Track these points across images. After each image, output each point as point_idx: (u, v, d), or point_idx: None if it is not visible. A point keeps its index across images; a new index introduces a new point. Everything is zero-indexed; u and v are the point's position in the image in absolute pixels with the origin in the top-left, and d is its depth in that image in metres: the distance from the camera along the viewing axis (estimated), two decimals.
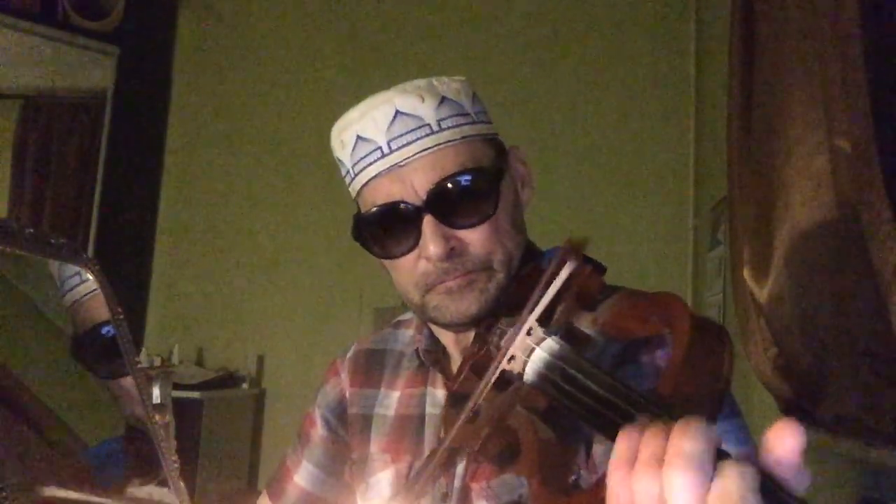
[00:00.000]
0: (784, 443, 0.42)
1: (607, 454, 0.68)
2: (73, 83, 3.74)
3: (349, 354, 1.00)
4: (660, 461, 0.44)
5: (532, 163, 0.90)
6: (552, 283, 0.59)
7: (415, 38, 3.15)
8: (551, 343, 0.58)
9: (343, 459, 0.97)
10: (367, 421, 0.94)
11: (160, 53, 3.51)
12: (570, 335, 0.61)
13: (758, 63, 1.52)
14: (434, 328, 0.90)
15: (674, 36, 2.89)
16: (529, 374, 0.58)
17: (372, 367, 0.97)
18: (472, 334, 0.80)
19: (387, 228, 0.80)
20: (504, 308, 0.75)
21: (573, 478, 0.58)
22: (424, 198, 0.77)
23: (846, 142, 1.06)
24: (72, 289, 0.76)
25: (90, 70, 3.50)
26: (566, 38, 3.03)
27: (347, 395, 0.97)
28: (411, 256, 0.79)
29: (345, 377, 0.98)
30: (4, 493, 0.62)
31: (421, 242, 0.77)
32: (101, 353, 0.78)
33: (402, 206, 0.77)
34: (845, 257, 1.11)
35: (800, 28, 1.27)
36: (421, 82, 0.81)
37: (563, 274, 0.59)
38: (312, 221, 3.20)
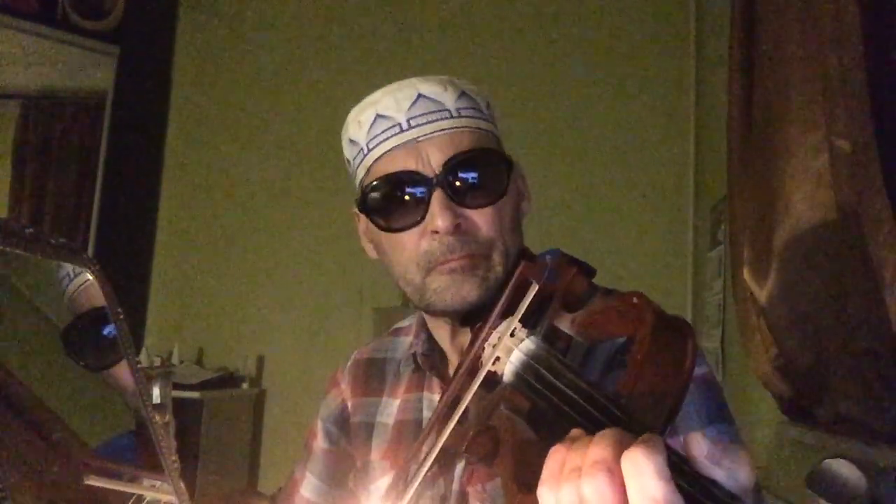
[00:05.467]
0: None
1: None
2: (73, 83, 3.75)
3: (349, 364, 1.01)
4: (578, 470, 0.45)
5: (533, 163, 0.90)
6: (520, 285, 0.60)
7: (414, 37, 3.15)
8: (528, 343, 0.58)
9: (345, 469, 0.97)
10: (369, 429, 0.94)
11: (160, 53, 3.51)
12: (551, 336, 0.61)
13: (758, 63, 1.52)
14: (432, 328, 0.89)
15: (674, 36, 2.89)
16: (507, 374, 0.58)
17: (372, 376, 0.97)
18: (468, 336, 0.80)
19: (395, 198, 0.80)
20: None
21: None
22: (438, 171, 0.77)
23: (846, 142, 1.06)
24: (68, 284, 0.76)
25: (90, 70, 3.51)
26: (566, 38, 3.03)
27: (350, 404, 0.97)
28: (415, 232, 0.79)
29: (346, 387, 0.99)
30: (4, 493, 0.62)
31: (428, 216, 0.77)
32: (91, 340, 0.78)
33: (414, 176, 0.78)
34: (845, 257, 1.11)
35: (800, 28, 1.27)
36: (442, 76, 0.83)
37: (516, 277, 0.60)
38: (313, 221, 3.20)
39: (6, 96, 3.92)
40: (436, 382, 0.88)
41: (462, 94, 0.82)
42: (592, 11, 3.01)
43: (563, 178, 2.89)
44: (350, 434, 0.96)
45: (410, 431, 0.89)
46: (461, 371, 0.71)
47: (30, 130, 3.89)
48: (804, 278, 1.27)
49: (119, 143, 3.36)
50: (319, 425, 0.99)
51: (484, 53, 3.04)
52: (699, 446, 0.44)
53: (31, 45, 3.34)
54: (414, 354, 0.91)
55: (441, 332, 0.88)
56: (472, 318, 0.78)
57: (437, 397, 0.87)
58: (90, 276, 0.72)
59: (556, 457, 0.48)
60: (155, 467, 0.76)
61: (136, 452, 0.80)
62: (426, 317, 0.90)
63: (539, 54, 3.03)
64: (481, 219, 0.78)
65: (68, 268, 0.75)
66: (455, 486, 0.80)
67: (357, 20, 3.29)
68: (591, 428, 0.50)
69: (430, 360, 0.89)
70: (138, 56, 3.40)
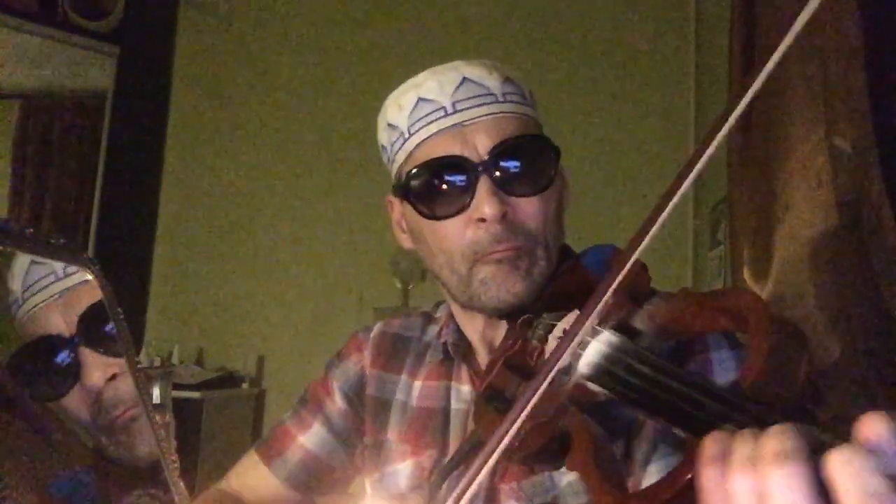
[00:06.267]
0: (874, 428, 0.40)
1: (649, 456, 0.67)
2: (73, 83, 3.74)
3: (373, 333, 0.97)
4: (754, 461, 0.43)
5: None
6: (619, 273, 0.57)
7: (415, 38, 3.15)
8: (609, 336, 0.56)
9: (358, 435, 0.94)
10: (385, 406, 0.91)
11: (160, 53, 3.51)
12: (622, 329, 0.59)
13: (758, 63, 1.52)
14: (462, 320, 0.86)
15: (674, 36, 2.89)
16: (584, 367, 0.56)
17: (396, 352, 0.94)
18: (501, 330, 0.79)
19: (439, 185, 0.77)
20: (541, 303, 0.74)
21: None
22: (485, 158, 0.75)
23: (846, 142, 1.06)
24: (14, 315, 0.75)
25: (90, 70, 3.51)
26: (566, 37, 3.03)
27: (368, 374, 0.94)
28: (459, 221, 0.76)
29: (367, 355, 0.95)
30: (4, 493, 0.62)
31: (474, 203, 0.75)
32: (41, 370, 0.76)
33: (460, 161, 0.75)
34: (845, 257, 1.11)
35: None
36: (486, 61, 0.81)
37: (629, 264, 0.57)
38: (313, 221, 3.20)
39: (6, 96, 3.92)
40: (464, 373, 0.86)
41: (507, 80, 0.80)
42: (592, 12, 3.01)
43: None
44: (364, 405, 0.93)
45: (437, 420, 0.86)
46: (500, 364, 0.69)
47: (30, 130, 3.89)
48: (804, 278, 1.27)
49: (119, 143, 3.36)
50: (335, 386, 0.95)
51: (481, 52, 3.03)
52: None
53: (31, 45, 3.34)
54: (445, 343, 0.88)
55: (474, 323, 0.85)
56: (516, 311, 0.76)
57: (466, 388, 0.85)
58: (89, 276, 0.72)
59: (719, 444, 0.45)
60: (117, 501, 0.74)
61: (95, 488, 0.78)
62: (455, 309, 0.87)
63: (539, 54, 3.03)
64: (528, 208, 0.76)
65: (17, 293, 0.75)
66: (484, 482, 0.77)
67: (357, 20, 3.29)
68: (695, 421, 0.48)
69: (461, 350, 0.86)
70: (138, 56, 3.40)
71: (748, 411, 0.47)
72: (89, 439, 0.78)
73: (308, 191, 3.22)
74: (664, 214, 0.55)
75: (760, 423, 0.45)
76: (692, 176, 0.54)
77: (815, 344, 1.26)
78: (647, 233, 0.55)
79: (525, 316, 0.72)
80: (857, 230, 1.04)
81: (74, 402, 0.75)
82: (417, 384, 0.90)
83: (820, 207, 1.18)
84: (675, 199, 0.54)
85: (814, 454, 0.41)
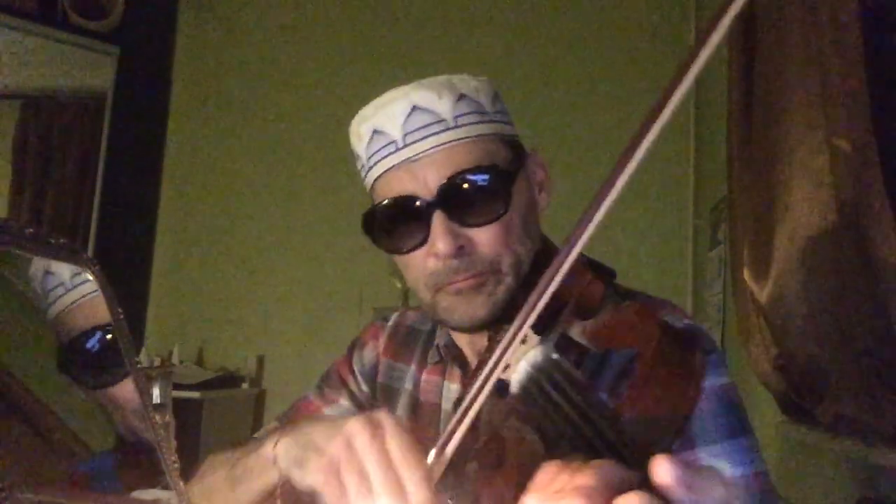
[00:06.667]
0: (660, 473, 0.42)
1: None
2: (73, 83, 3.74)
3: (391, 323, 1.01)
4: (561, 493, 0.44)
5: None
6: (544, 292, 0.57)
7: (413, 37, 3.15)
8: (535, 353, 0.56)
9: None
10: (394, 394, 0.94)
11: (160, 53, 3.51)
12: (564, 345, 0.59)
13: (758, 63, 1.52)
14: (450, 328, 0.89)
15: (674, 36, 2.89)
16: (514, 383, 0.56)
17: (406, 344, 0.97)
18: (486, 337, 0.79)
19: (397, 223, 0.79)
20: (514, 313, 0.75)
21: None
22: (436, 193, 0.76)
23: (846, 142, 1.06)
24: (56, 300, 0.75)
25: (90, 70, 3.50)
26: (566, 37, 3.03)
27: (380, 362, 0.98)
28: (420, 253, 0.78)
29: (382, 343, 0.99)
30: (4, 494, 0.62)
31: (430, 239, 0.76)
32: (90, 361, 0.77)
33: (412, 200, 0.77)
34: (845, 257, 1.11)
35: (800, 28, 1.27)
36: (440, 79, 0.80)
37: (553, 284, 0.56)
38: (312, 221, 3.20)
39: (6, 96, 3.91)
40: (456, 373, 0.88)
41: (460, 98, 0.79)
42: (592, 11, 3.01)
43: (562, 177, 2.88)
44: (375, 393, 0.97)
45: (434, 415, 0.89)
46: (476, 374, 0.70)
47: (30, 130, 3.89)
48: (804, 278, 1.27)
49: (119, 143, 3.36)
50: (357, 369, 0.99)
51: (482, 52, 3.04)
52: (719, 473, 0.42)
53: (31, 45, 3.33)
54: (437, 345, 0.91)
55: (457, 332, 0.87)
56: (486, 327, 0.77)
57: (455, 388, 0.88)
58: (90, 276, 0.72)
59: (546, 474, 0.48)
60: (140, 485, 0.75)
61: (120, 472, 0.78)
62: None
63: (538, 54, 3.03)
64: (485, 236, 0.77)
65: (64, 277, 0.74)
66: (468, 486, 0.80)
67: (357, 19, 3.29)
68: (587, 448, 0.48)
69: (453, 352, 0.89)
70: (138, 56, 3.40)
71: (605, 441, 0.48)
72: (116, 426, 0.78)
73: (308, 191, 3.22)
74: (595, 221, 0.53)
75: (613, 455, 0.46)
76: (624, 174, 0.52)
77: (815, 344, 1.26)
78: (577, 241, 0.53)
79: (497, 325, 0.73)
80: (857, 230, 1.04)
81: (128, 389, 0.75)
82: (422, 377, 0.93)
83: (820, 207, 1.18)
84: (610, 199, 0.52)
85: (615, 494, 0.42)
